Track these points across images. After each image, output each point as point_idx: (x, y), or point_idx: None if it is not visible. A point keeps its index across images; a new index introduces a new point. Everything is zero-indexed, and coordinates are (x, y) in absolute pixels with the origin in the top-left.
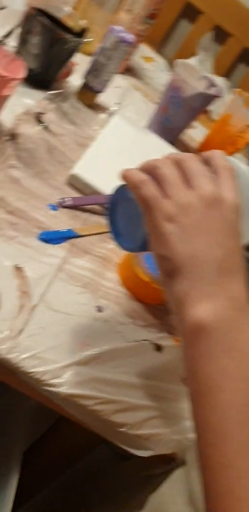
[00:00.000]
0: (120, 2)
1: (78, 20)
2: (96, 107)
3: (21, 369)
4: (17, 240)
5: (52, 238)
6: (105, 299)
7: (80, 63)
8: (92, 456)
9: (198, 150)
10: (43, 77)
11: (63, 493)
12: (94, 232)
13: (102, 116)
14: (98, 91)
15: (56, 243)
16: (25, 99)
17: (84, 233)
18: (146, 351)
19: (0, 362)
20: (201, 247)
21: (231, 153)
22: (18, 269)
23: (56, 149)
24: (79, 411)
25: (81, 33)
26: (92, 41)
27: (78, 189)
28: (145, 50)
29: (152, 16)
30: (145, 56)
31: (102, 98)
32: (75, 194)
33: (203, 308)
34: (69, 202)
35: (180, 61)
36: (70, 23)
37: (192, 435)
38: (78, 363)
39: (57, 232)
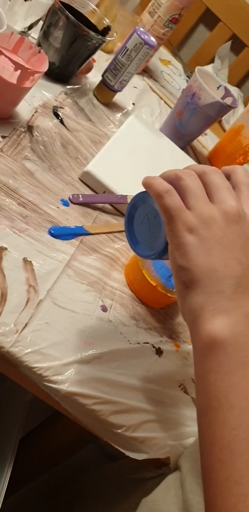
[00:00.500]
0: (141, 3)
1: (103, 18)
2: (112, 106)
3: (24, 364)
4: (27, 233)
5: (62, 233)
6: (110, 299)
7: (99, 60)
8: (81, 453)
9: (208, 158)
10: (62, 72)
11: (51, 487)
12: (104, 231)
13: (118, 115)
14: (116, 91)
15: (66, 239)
16: (44, 92)
17: (94, 231)
18: (147, 354)
19: (3, 355)
20: (220, 261)
21: (241, 164)
22: (27, 262)
23: (71, 144)
24: (78, 409)
25: (104, 31)
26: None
27: (90, 187)
28: (162, 52)
29: (174, 20)
30: (163, 59)
31: (119, 97)
32: (87, 191)
33: (218, 323)
34: (81, 199)
35: (199, 68)
36: (93, 20)
37: (186, 441)
38: (81, 362)
39: (67, 228)
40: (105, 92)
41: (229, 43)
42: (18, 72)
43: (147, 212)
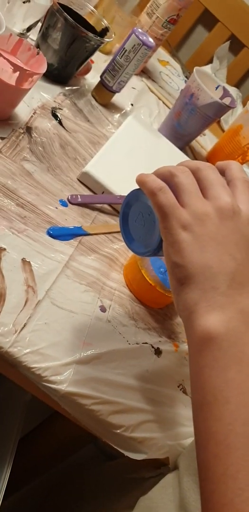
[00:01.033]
0: (139, 4)
1: (101, 19)
2: (111, 107)
3: (23, 364)
4: (26, 234)
5: (60, 234)
6: (109, 299)
7: (98, 61)
8: (80, 453)
9: (207, 158)
10: (61, 73)
11: (50, 487)
12: (102, 231)
13: (116, 116)
14: (115, 91)
15: (64, 240)
16: (42, 93)
17: (92, 232)
18: (146, 354)
19: (2, 355)
20: (214, 257)
21: None
22: (25, 262)
23: (70, 145)
24: (77, 409)
25: (102, 33)
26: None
27: (89, 187)
28: (161, 53)
29: (172, 21)
30: (161, 60)
31: (117, 98)
32: (86, 192)
33: (213, 318)
34: (79, 200)
35: (198, 68)
36: (92, 21)
37: (185, 441)
38: (79, 362)
39: (66, 228)
40: (104, 93)
41: (228, 43)
42: (17, 73)
43: (141, 209)
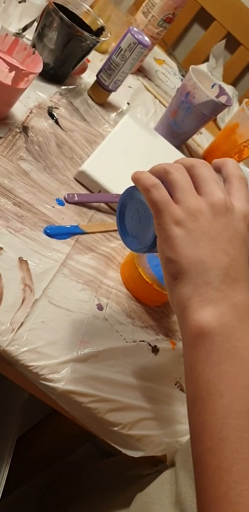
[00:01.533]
0: (135, 3)
1: (97, 18)
2: (107, 106)
3: (21, 362)
4: (23, 233)
5: (57, 233)
6: (106, 298)
7: (94, 60)
8: (78, 452)
9: (203, 157)
10: (57, 72)
11: (48, 485)
12: (99, 230)
13: (113, 115)
14: (111, 90)
15: (61, 239)
16: (39, 92)
17: (89, 230)
18: (143, 352)
19: (0, 354)
20: (207, 253)
21: None
22: (22, 261)
23: (66, 144)
24: (74, 407)
25: (98, 32)
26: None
27: (86, 186)
28: (157, 52)
29: (168, 20)
30: (157, 58)
31: (113, 97)
32: (82, 190)
33: (206, 313)
34: (76, 199)
35: (193, 67)
36: (88, 20)
37: (182, 439)
38: (76, 360)
39: (62, 227)
40: (100, 92)
41: (224, 41)
42: (13, 73)
43: (137, 206)
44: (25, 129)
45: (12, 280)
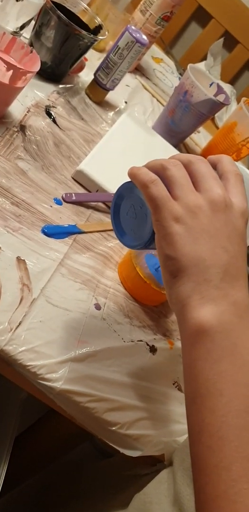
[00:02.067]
0: (133, 1)
1: (94, 17)
2: (105, 105)
3: (18, 362)
4: (21, 232)
5: (55, 232)
6: (104, 297)
7: (91, 59)
8: (76, 450)
9: (201, 156)
10: (55, 71)
11: (47, 484)
12: (97, 229)
13: (110, 113)
14: (108, 89)
15: (59, 238)
16: (36, 91)
17: (87, 230)
18: (141, 352)
19: None
20: (207, 250)
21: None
22: (20, 261)
23: (64, 143)
24: (72, 407)
25: (96, 30)
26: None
27: (83, 185)
28: (155, 50)
29: (166, 18)
30: (155, 57)
31: (111, 96)
32: (80, 190)
33: (205, 311)
34: (74, 198)
35: (191, 65)
36: (85, 19)
37: (180, 438)
38: (74, 360)
39: (60, 227)
40: (98, 91)
41: (222, 40)
42: (10, 72)
43: (133, 202)
44: (22, 128)
45: (10, 279)
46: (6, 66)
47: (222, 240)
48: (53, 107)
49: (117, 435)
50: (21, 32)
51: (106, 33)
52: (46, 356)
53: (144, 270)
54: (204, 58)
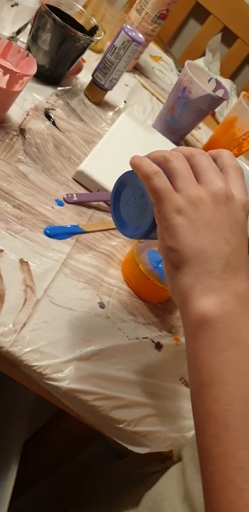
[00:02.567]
0: (129, 1)
1: (90, 18)
2: (104, 105)
3: (24, 363)
4: (23, 234)
5: (57, 233)
6: (108, 296)
7: (89, 60)
8: (88, 451)
9: None
10: (53, 74)
11: (60, 486)
12: (99, 228)
13: (110, 113)
14: (107, 89)
15: (61, 239)
16: (35, 95)
17: (89, 229)
18: (146, 349)
19: (3, 355)
20: (209, 241)
21: (235, 156)
22: (23, 262)
23: (64, 145)
24: (79, 406)
25: (92, 31)
26: (102, 38)
27: (84, 186)
28: (153, 49)
29: (162, 16)
30: (153, 55)
31: (110, 96)
32: (81, 190)
33: (207, 301)
34: (75, 198)
35: (189, 62)
36: (81, 21)
37: (188, 434)
38: (80, 359)
39: (62, 227)
40: (96, 91)
41: (219, 35)
42: (7, 76)
43: (133, 191)
44: (22, 131)
45: (14, 281)
46: (2, 71)
47: (224, 231)
48: (53, 109)
49: (125, 432)
50: (18, 36)
51: (103, 33)
52: (52, 356)
53: (147, 267)
54: (204, 54)
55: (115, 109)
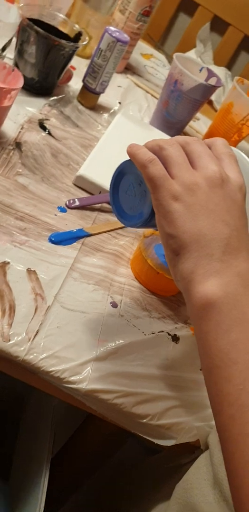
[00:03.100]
0: (113, 4)
1: (73, 25)
2: (99, 108)
3: (41, 369)
4: (28, 244)
5: (62, 239)
6: (119, 295)
7: (79, 66)
8: (121, 452)
9: None
10: (43, 85)
11: (100, 489)
12: (104, 230)
13: (105, 116)
14: (99, 93)
15: (67, 244)
16: (28, 108)
17: (94, 232)
18: (163, 342)
19: (20, 364)
20: (207, 225)
21: (236, 142)
22: (31, 272)
23: (61, 152)
24: (101, 405)
25: (77, 38)
26: (89, 44)
27: (86, 190)
28: (143, 47)
29: (146, 13)
30: (144, 54)
31: (104, 99)
32: (83, 194)
33: (210, 284)
34: (77, 203)
35: (177, 54)
36: (66, 29)
37: (213, 422)
38: (96, 359)
39: (67, 233)
40: (88, 96)
41: (208, 24)
42: None
43: (132, 180)
44: (18, 145)
45: (23, 291)
46: None
47: (222, 214)
48: (47, 119)
49: (149, 427)
50: (3, 53)
51: (87, 38)
52: (68, 360)
53: (155, 261)
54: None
55: (111, 111)
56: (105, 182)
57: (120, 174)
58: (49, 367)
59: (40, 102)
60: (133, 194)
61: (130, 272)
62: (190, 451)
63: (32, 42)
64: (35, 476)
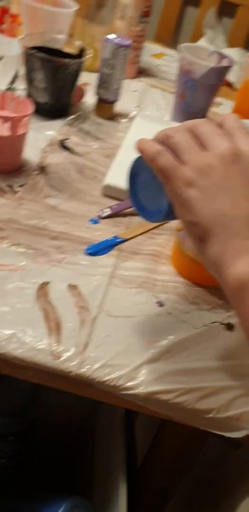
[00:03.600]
0: (112, 14)
1: (75, 43)
2: (116, 117)
3: (96, 380)
4: (66, 261)
5: (99, 249)
6: (164, 293)
7: (91, 81)
8: (203, 453)
9: None
10: (57, 106)
11: (192, 493)
12: (138, 232)
13: (124, 122)
14: (113, 101)
15: (104, 253)
16: (46, 132)
17: (129, 236)
18: (217, 333)
19: (74, 378)
20: (226, 204)
21: None
22: (72, 287)
23: (86, 167)
24: (164, 407)
25: (80, 54)
26: (97, 57)
27: (115, 197)
28: (153, 48)
29: (145, 14)
30: (155, 54)
31: (121, 107)
32: (112, 203)
33: (241, 264)
34: (108, 212)
35: (184, 45)
36: (70, 48)
37: None
38: (150, 361)
39: (102, 242)
40: (104, 107)
41: (212, 9)
42: (9, 123)
43: (146, 175)
44: (42, 169)
45: (67, 307)
46: (2, 120)
47: (240, 190)
48: (67, 139)
49: (217, 420)
50: (13, 86)
51: (92, 51)
52: (121, 366)
53: (194, 253)
54: None
55: (129, 116)
56: None
57: (134, 173)
58: (104, 376)
59: (58, 124)
60: (151, 189)
61: (171, 268)
62: None
63: (38, 68)
64: (114, 489)
